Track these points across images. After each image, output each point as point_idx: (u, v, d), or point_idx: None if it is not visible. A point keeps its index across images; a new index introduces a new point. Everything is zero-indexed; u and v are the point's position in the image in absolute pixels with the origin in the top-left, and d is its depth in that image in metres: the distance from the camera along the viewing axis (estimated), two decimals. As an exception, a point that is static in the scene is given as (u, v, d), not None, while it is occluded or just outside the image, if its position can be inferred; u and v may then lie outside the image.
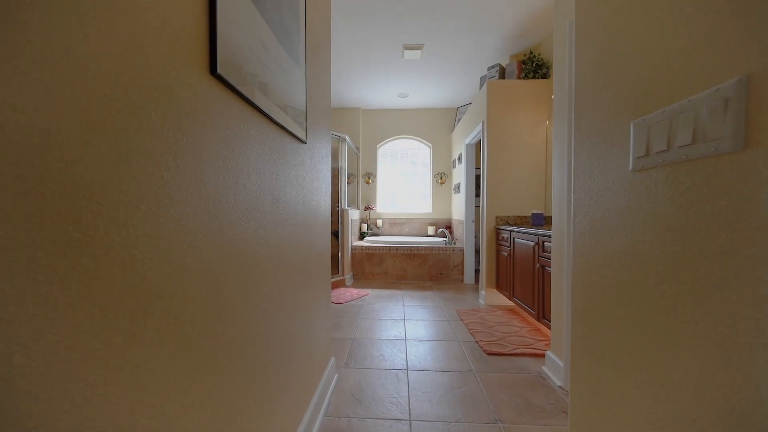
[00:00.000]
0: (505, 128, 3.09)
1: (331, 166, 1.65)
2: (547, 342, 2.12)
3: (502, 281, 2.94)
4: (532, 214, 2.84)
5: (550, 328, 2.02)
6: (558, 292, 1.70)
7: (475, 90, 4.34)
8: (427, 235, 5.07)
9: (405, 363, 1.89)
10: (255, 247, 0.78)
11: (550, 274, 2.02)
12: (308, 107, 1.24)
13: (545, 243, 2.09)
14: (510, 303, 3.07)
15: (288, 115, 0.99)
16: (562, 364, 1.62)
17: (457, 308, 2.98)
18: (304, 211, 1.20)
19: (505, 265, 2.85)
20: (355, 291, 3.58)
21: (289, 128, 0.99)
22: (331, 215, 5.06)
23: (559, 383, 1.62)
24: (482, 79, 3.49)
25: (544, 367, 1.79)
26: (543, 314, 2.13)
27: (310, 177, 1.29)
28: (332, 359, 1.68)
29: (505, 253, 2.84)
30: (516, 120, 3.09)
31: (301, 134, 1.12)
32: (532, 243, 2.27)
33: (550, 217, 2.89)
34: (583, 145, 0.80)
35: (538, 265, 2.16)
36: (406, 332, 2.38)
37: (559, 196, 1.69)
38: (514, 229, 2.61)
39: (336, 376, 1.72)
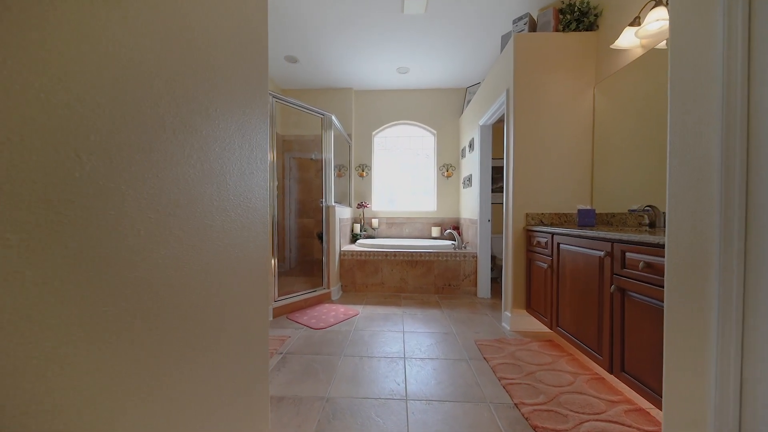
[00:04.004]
0: (538, 97, 2.33)
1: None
2: (629, 408, 1.36)
3: (538, 302, 2.18)
4: (579, 210, 2.08)
5: (633, 388, 1.26)
6: (690, 342, 0.94)
7: (489, 63, 3.58)
8: (432, 238, 4.30)
9: (406, 457, 1.12)
10: None
11: (639, 305, 1.26)
12: None
13: (627, 254, 1.33)
14: (544, 329, 2.31)
15: None
16: (702, 488, 0.86)
17: (476, 337, 2.21)
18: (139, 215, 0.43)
19: (543, 281, 2.09)
20: (341, 309, 2.82)
21: None
22: (316, 214, 4.31)
23: None
24: (504, 39, 2.73)
25: (647, 473, 1.03)
26: (620, 365, 1.37)
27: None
28: (274, 470, 0.92)
29: (544, 264, 2.08)
30: (552, 86, 2.33)
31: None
32: (599, 253, 1.51)
33: (605, 214, 2.13)
34: None
35: (612, 287, 1.40)
36: (407, 382, 1.62)
37: (689, 177, 0.93)
38: (559, 231, 1.85)
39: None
